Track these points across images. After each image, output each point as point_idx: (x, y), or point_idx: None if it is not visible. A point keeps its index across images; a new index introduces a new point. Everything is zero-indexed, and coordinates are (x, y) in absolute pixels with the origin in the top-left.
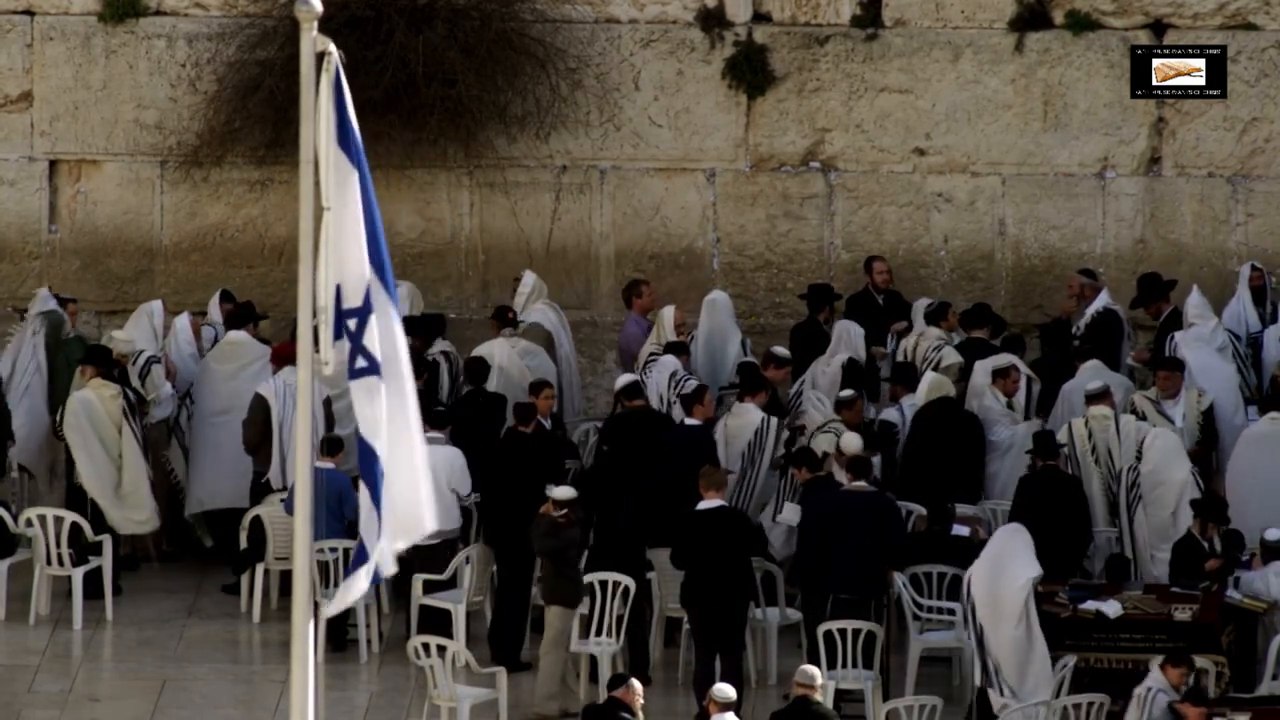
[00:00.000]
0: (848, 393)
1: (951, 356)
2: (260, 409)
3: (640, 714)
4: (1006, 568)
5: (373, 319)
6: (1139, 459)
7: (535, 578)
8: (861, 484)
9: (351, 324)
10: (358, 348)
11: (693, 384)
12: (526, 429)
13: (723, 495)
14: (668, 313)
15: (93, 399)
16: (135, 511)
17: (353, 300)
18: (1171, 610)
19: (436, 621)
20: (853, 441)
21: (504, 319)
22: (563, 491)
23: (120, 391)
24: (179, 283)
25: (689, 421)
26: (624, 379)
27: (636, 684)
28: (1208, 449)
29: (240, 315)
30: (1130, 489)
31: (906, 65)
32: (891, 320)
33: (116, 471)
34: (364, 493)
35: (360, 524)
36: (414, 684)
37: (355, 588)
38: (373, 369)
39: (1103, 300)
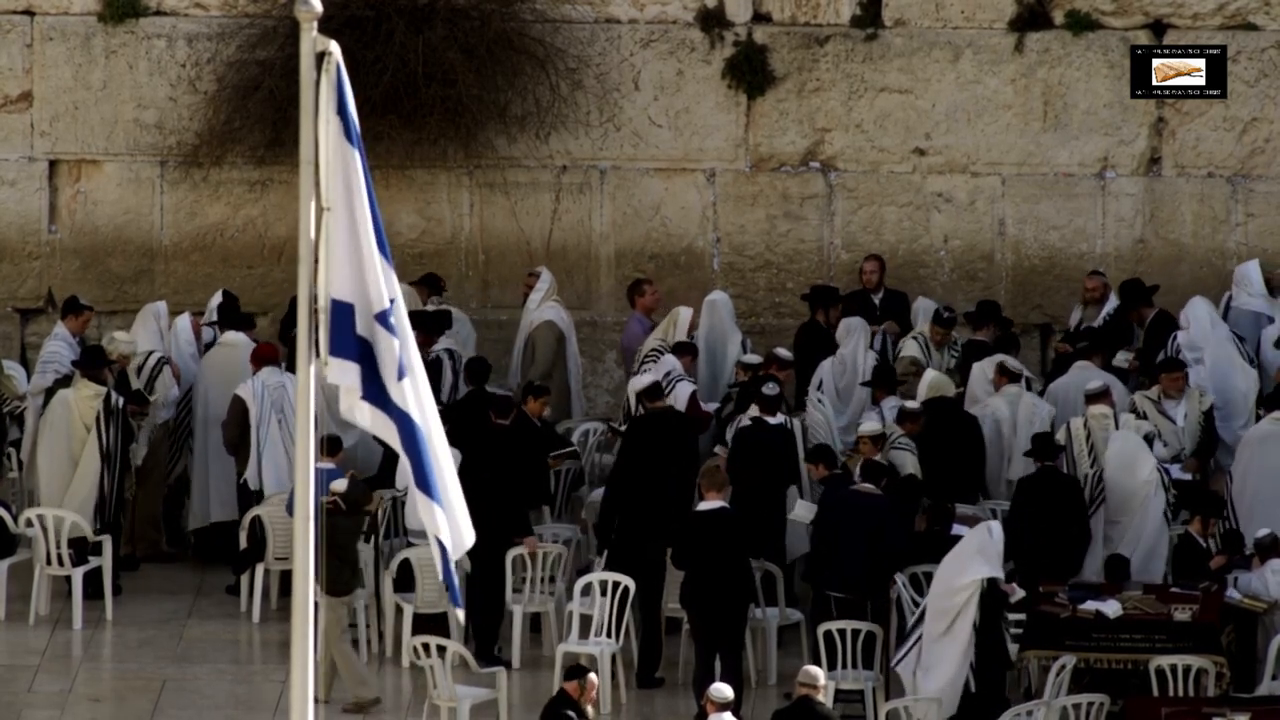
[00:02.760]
0: (913, 405)
1: (911, 349)
2: (238, 410)
3: (591, 709)
4: (959, 566)
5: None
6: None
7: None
8: (869, 486)
9: (393, 321)
10: (404, 343)
11: (687, 386)
12: (505, 421)
13: (724, 496)
14: (684, 314)
15: (70, 399)
16: (75, 517)
17: (383, 301)
18: (1171, 610)
19: (423, 621)
20: (871, 426)
21: (435, 286)
22: (337, 484)
23: (102, 394)
24: (179, 283)
25: (771, 420)
26: (645, 380)
27: (593, 679)
28: (1209, 449)
29: (227, 312)
30: (1095, 488)
31: (906, 65)
32: (886, 320)
33: (72, 473)
34: (418, 494)
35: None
36: (413, 684)
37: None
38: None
39: (1114, 302)
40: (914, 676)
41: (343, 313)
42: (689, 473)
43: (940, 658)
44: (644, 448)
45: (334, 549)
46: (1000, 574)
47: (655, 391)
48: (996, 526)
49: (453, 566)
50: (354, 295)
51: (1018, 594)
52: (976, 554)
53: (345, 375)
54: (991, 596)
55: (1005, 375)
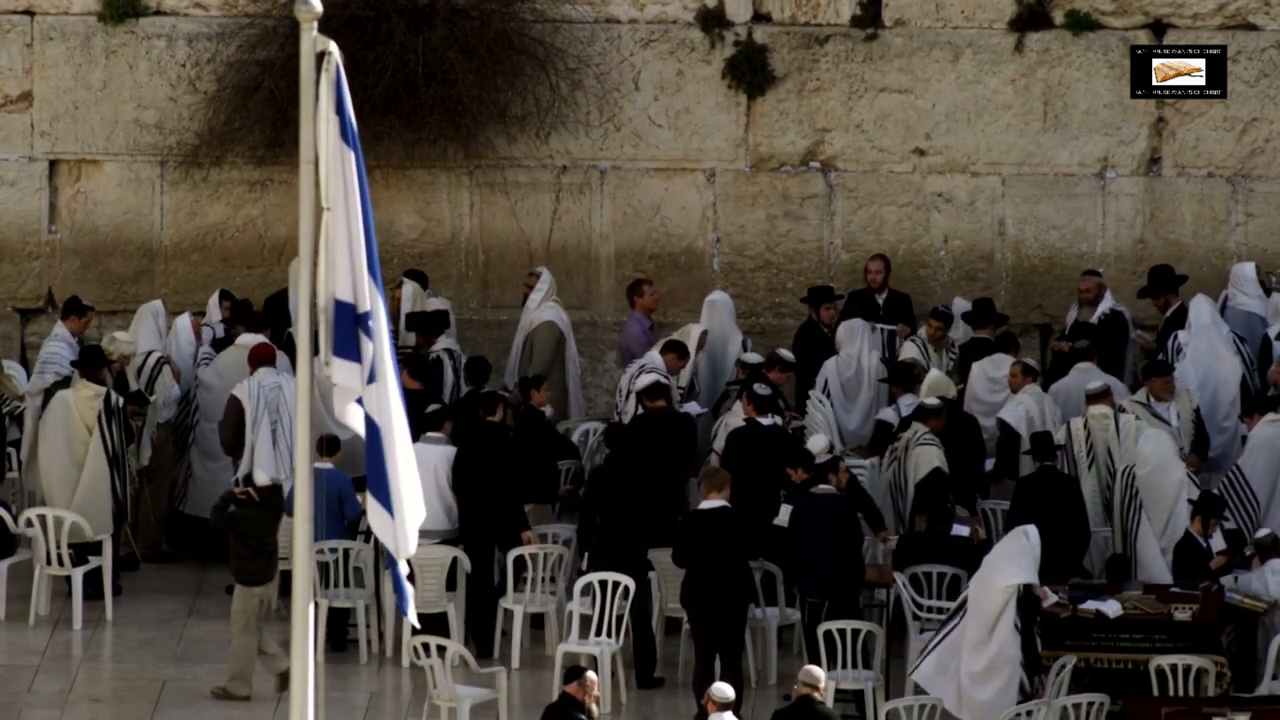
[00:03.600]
0: (933, 402)
1: (909, 351)
2: (234, 410)
3: (595, 707)
4: (996, 571)
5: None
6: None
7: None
8: (827, 488)
9: (371, 325)
10: (378, 348)
11: (649, 377)
12: (494, 418)
13: (724, 495)
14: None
15: (69, 399)
16: (86, 518)
17: (365, 304)
18: (1171, 610)
19: (423, 621)
20: (818, 442)
21: (423, 280)
22: (259, 476)
23: (101, 394)
24: (179, 283)
25: (764, 421)
26: (645, 380)
27: (592, 676)
28: (1205, 445)
29: (237, 312)
30: (1127, 491)
31: (906, 65)
32: (888, 319)
33: (78, 474)
34: (371, 497)
35: (373, 526)
36: (413, 684)
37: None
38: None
39: (1109, 302)
40: (946, 679)
41: (345, 313)
42: (682, 474)
43: (986, 665)
44: (640, 447)
45: (244, 538)
46: (1035, 579)
47: (655, 391)
48: (1033, 531)
49: (403, 573)
50: (352, 296)
51: (1050, 598)
52: (1014, 558)
53: (349, 376)
54: (1027, 601)
55: (1029, 374)
